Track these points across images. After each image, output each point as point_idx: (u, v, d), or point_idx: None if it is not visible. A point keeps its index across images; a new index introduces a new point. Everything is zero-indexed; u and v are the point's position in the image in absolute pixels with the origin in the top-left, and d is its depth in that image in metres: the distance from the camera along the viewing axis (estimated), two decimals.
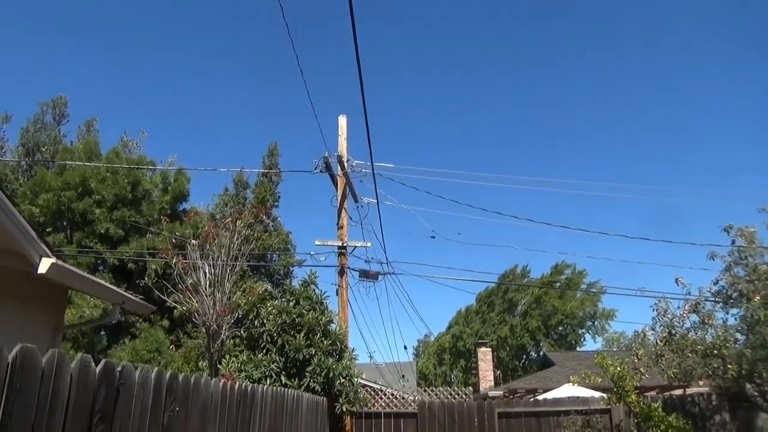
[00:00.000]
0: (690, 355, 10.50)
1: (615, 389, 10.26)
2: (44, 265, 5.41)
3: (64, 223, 23.23)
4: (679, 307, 11.17)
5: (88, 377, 2.30)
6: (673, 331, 10.95)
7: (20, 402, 1.90)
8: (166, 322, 21.46)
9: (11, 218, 5.02)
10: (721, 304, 10.74)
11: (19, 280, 5.85)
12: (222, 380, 4.07)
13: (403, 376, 23.98)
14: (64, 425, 2.13)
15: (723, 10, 55.40)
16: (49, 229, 22.31)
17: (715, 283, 10.84)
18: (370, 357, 15.26)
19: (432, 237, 16.77)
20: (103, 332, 21.45)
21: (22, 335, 5.79)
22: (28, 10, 50.71)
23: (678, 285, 11.12)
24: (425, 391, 13.52)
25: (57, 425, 2.09)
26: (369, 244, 14.09)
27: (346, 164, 14.03)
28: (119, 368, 2.53)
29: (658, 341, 11.15)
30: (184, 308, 9.49)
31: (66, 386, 2.16)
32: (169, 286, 10.01)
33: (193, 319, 9.62)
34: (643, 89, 67.96)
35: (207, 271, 9.33)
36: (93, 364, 2.34)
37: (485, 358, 30.05)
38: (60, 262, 5.65)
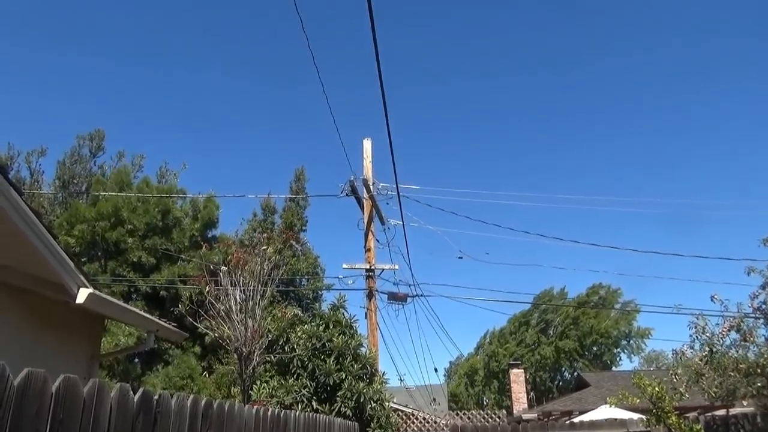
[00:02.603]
0: (732, 373, 10.17)
1: (654, 410, 9.97)
2: (82, 295, 5.55)
3: (99, 253, 23.79)
4: (717, 324, 10.87)
5: (126, 406, 2.34)
6: (713, 349, 10.64)
7: (63, 431, 1.95)
8: (198, 349, 21.66)
9: (52, 251, 5.19)
10: (762, 320, 10.41)
11: (58, 309, 6.00)
12: (254, 406, 4.10)
13: (435, 399, 23.66)
14: None
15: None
16: (84, 258, 22.87)
17: (754, 299, 10.53)
18: (401, 380, 15.12)
19: (460, 257, 16.72)
20: (137, 359, 21.75)
21: (62, 364, 5.94)
22: (59, 33, 52.82)
23: (714, 302, 10.84)
24: (457, 414, 13.32)
25: None
26: (397, 267, 14.10)
27: (371, 187, 14.12)
28: (156, 396, 2.57)
29: (697, 360, 10.83)
30: (216, 334, 9.59)
31: (106, 415, 2.20)
32: (201, 312, 10.14)
33: (225, 345, 9.70)
34: (668, 99, 67.01)
35: (238, 297, 9.43)
36: (131, 392, 2.38)
37: (518, 379, 29.50)
38: (97, 292, 5.79)
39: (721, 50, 61.53)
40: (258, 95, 69.47)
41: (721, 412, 15.26)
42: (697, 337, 10.92)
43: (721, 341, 10.69)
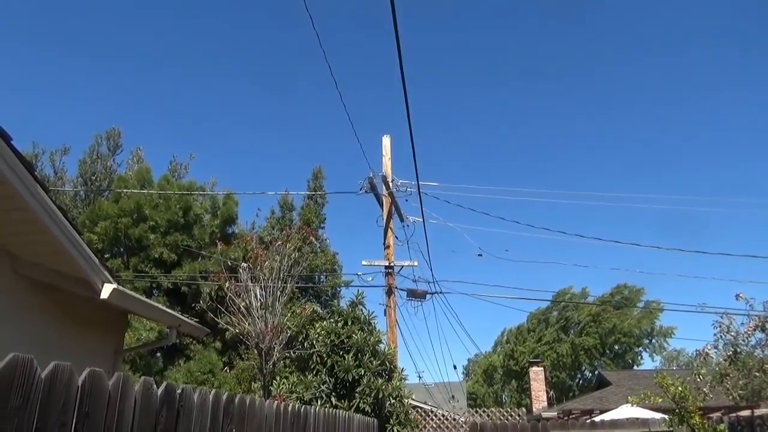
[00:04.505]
0: (757, 374, 9.98)
1: (677, 410, 9.82)
2: (106, 290, 5.64)
3: (121, 249, 24.16)
4: (743, 324, 10.67)
5: (150, 399, 2.36)
6: (738, 349, 10.45)
7: (89, 424, 1.98)
8: (218, 344, 21.90)
9: (77, 247, 5.28)
10: None
11: (83, 305, 6.11)
12: (275, 401, 4.12)
13: (453, 397, 23.61)
14: None
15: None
16: (107, 255, 23.24)
17: None
18: (419, 377, 15.10)
19: (479, 255, 16.64)
20: (158, 354, 22.05)
21: (87, 358, 6.04)
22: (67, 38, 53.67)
23: (739, 300, 10.63)
24: (476, 412, 13.28)
25: None
26: (416, 263, 14.07)
27: (390, 184, 14.11)
28: (179, 390, 2.59)
29: (721, 360, 10.65)
30: (237, 330, 9.68)
31: (130, 408, 2.23)
32: (221, 308, 10.24)
33: (246, 341, 9.78)
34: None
35: (258, 293, 9.50)
36: (155, 386, 2.41)
37: (537, 377, 29.30)
38: (120, 288, 5.88)
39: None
40: (275, 94, 69.84)
41: (746, 412, 14.97)
42: (721, 336, 10.74)
43: (746, 341, 10.51)
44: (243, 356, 20.48)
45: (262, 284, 9.58)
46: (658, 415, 11.57)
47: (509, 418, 12.58)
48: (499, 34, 72.01)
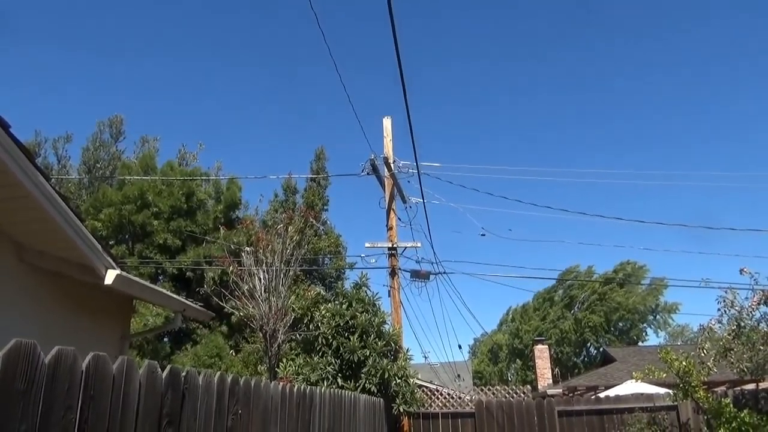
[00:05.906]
0: (762, 348, 9.99)
1: (681, 385, 9.86)
2: (110, 276, 5.67)
3: (126, 236, 24.25)
4: (747, 298, 10.64)
5: (155, 382, 2.39)
6: (743, 324, 10.45)
7: (94, 407, 2.00)
8: (224, 328, 22.08)
9: (80, 234, 5.29)
10: None
11: (88, 291, 6.15)
12: (281, 383, 4.16)
13: (459, 376, 23.82)
14: (135, 429, 2.22)
15: None
16: (112, 241, 23.34)
17: None
18: (425, 357, 15.19)
19: (482, 235, 16.63)
20: (166, 339, 22.26)
21: (93, 344, 6.08)
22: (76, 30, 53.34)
23: (743, 275, 10.60)
24: (482, 390, 13.39)
25: (129, 429, 2.18)
26: (419, 245, 14.07)
27: (392, 165, 14.05)
28: (184, 373, 2.62)
29: (726, 334, 10.65)
30: (242, 314, 9.75)
31: (135, 391, 2.25)
32: (226, 293, 10.30)
33: (251, 324, 9.85)
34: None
35: (262, 276, 9.54)
36: (159, 369, 2.43)
37: (542, 355, 29.49)
38: (124, 273, 5.90)
39: None
40: (276, 78, 69.38)
41: (751, 386, 15.06)
42: (725, 311, 10.72)
43: (751, 315, 10.49)
44: (249, 339, 20.67)
45: (266, 267, 9.62)
46: (662, 390, 11.66)
47: (514, 395, 12.68)
48: (503, 8, 71.15)
